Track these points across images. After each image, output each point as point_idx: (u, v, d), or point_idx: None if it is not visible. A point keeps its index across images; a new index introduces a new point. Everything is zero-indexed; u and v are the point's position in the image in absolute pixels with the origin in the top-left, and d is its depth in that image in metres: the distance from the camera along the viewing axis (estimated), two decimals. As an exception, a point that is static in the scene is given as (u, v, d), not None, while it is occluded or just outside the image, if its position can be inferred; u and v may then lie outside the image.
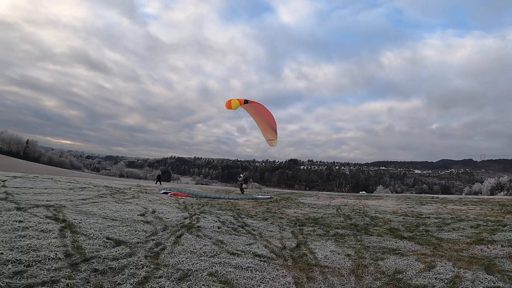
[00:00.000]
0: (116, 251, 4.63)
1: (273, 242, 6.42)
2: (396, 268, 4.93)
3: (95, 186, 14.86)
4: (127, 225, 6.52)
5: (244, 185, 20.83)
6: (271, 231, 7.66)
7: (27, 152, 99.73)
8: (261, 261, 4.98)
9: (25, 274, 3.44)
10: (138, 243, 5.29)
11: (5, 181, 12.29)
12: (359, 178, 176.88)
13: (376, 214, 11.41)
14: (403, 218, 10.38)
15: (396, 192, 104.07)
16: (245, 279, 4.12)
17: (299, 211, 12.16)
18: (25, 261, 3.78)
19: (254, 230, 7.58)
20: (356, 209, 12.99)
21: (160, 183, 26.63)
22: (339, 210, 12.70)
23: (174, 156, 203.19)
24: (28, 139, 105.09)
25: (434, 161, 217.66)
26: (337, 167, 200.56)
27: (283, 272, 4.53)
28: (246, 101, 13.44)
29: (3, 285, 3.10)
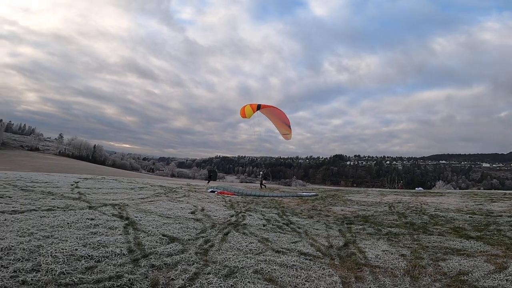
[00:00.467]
0: (170, 248, 4.99)
1: (319, 241, 6.30)
2: (460, 269, 4.47)
3: (151, 186, 16.29)
4: (179, 223, 7.01)
5: (264, 181, 22.43)
6: (317, 229, 7.53)
7: (94, 156, 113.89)
8: (306, 259, 4.93)
9: (95, 270, 3.83)
10: (189, 240, 5.64)
11: (78, 182, 14.20)
12: (414, 173, 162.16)
13: (437, 212, 10.36)
14: (469, 217, 9.25)
15: (460, 188, 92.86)
16: (290, 277, 4.11)
17: (347, 208, 11.68)
18: (96, 256, 4.24)
19: (299, 228, 7.53)
20: (412, 207, 11.96)
21: (209, 182, 27.81)
22: (392, 208, 11.85)
23: (219, 156, 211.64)
24: (95, 145, 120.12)
25: (505, 153, 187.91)
26: (387, 162, 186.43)
27: (329, 271, 4.43)
28: (259, 106, 13.95)
29: (76, 280, 3.44)
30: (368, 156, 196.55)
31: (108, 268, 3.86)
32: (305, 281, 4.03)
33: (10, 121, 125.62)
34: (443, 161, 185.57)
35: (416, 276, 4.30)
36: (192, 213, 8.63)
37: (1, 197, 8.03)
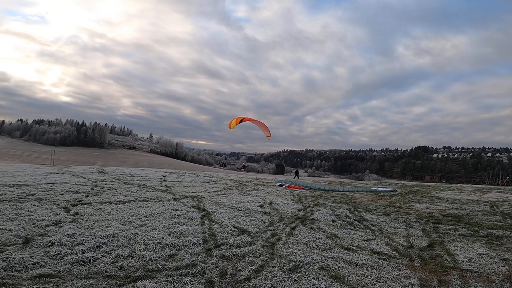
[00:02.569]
0: (239, 239, 5.28)
1: (397, 240, 5.73)
2: None
3: (224, 179, 17.57)
4: (249, 215, 7.37)
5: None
6: (395, 228, 6.86)
7: (177, 153, 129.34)
8: (379, 258, 4.57)
9: (176, 257, 4.29)
10: (257, 232, 5.86)
11: (165, 176, 16.37)
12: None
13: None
14: None
15: None
16: (358, 276, 3.88)
17: (434, 206, 10.24)
18: (177, 245, 4.77)
19: (373, 225, 6.99)
20: (524, 207, 9.67)
21: (298, 177, 27.83)
22: (495, 207, 9.83)
23: (286, 150, 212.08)
24: (177, 142, 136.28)
25: None
26: (489, 154, 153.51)
27: (406, 273, 4.01)
28: (241, 121, 17.58)
29: (160, 267, 3.90)
30: (462, 148, 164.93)
31: (186, 257, 4.30)
32: (376, 281, 3.74)
33: (113, 124, 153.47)
34: None
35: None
36: (261, 206, 8.94)
37: (109, 189, 9.94)
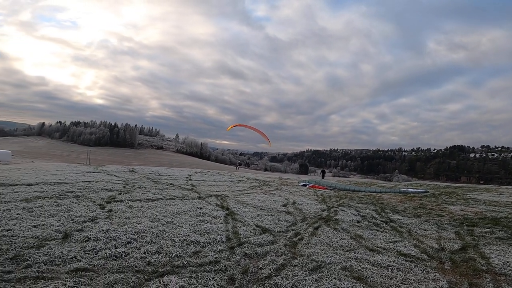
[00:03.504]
0: (262, 238, 5.34)
1: (426, 242, 5.48)
2: None
3: (247, 179, 17.77)
4: (272, 215, 7.41)
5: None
6: (425, 230, 6.55)
7: (202, 152, 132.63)
8: (406, 260, 4.41)
9: (200, 254, 4.45)
10: (280, 232, 5.88)
11: (190, 175, 16.91)
12: None
13: None
14: None
15: None
16: (382, 277, 3.77)
17: (469, 208, 9.59)
18: (202, 242, 4.93)
19: (401, 227, 6.72)
20: None
21: (323, 177, 27.48)
22: (541, 211, 8.97)
23: (310, 149, 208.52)
24: (201, 142, 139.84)
25: None
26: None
27: (435, 275, 3.85)
28: (236, 126, 21.03)
29: (185, 263, 4.08)
30: (502, 147, 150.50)
31: (210, 254, 4.44)
32: (401, 283, 3.62)
33: (142, 125, 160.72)
34: None
35: None
36: (284, 206, 8.94)
37: (139, 188, 10.49)
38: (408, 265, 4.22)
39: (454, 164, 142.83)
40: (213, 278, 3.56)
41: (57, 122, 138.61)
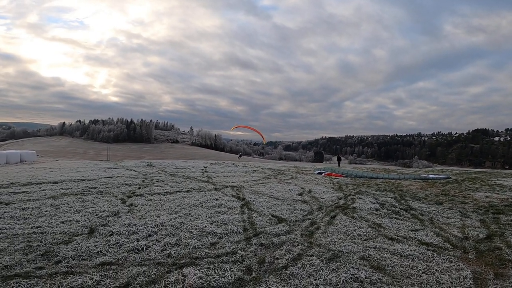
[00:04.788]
0: (278, 228, 5.34)
1: (449, 231, 5.29)
2: None
3: (262, 169, 17.81)
4: (287, 204, 7.41)
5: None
6: (448, 218, 6.31)
7: (216, 144, 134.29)
8: (428, 250, 4.28)
9: (217, 245, 4.51)
10: (296, 221, 5.87)
11: (206, 167, 17.16)
12: None
13: None
14: None
15: None
16: (402, 267, 3.68)
17: (494, 195, 9.17)
18: (219, 233, 5.01)
19: (422, 215, 6.52)
20: None
21: (339, 165, 27.19)
22: None
23: (325, 137, 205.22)
24: (215, 134, 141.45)
25: None
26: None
27: (458, 265, 3.72)
28: (237, 127, 23.92)
29: (203, 254, 4.16)
30: None
31: (227, 245, 4.50)
32: (423, 272, 3.52)
33: (157, 120, 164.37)
34: None
35: None
36: (300, 195, 8.91)
37: (157, 181, 10.77)
38: (430, 254, 4.10)
39: (477, 149, 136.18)
40: (230, 268, 3.62)
41: (76, 121, 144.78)
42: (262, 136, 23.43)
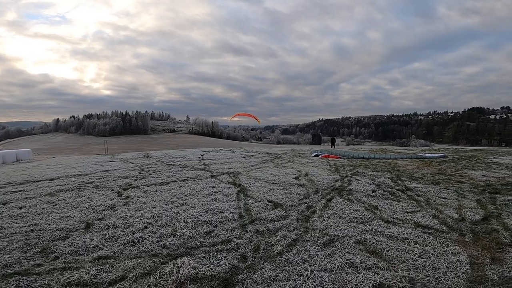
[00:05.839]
0: (274, 213, 5.32)
1: (446, 212, 5.27)
2: None
3: (259, 153, 17.75)
4: (284, 188, 7.38)
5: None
6: (444, 198, 6.30)
7: (213, 131, 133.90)
8: (424, 232, 4.25)
9: (212, 234, 4.49)
10: (292, 205, 5.85)
11: (203, 155, 17.06)
12: None
13: None
14: None
15: None
16: (398, 251, 3.64)
17: (491, 174, 9.20)
18: (214, 221, 4.98)
19: (418, 196, 6.52)
20: None
21: (334, 146, 27.05)
22: None
23: (322, 119, 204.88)
24: (212, 121, 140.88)
25: None
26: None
27: (455, 249, 3.68)
28: (236, 116, 27.09)
29: (198, 243, 4.13)
30: None
31: (222, 233, 4.49)
32: (418, 257, 3.48)
33: (152, 111, 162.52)
34: None
35: None
36: (296, 178, 8.89)
37: (154, 172, 10.70)
38: (426, 237, 4.07)
39: (473, 127, 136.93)
40: (225, 257, 3.61)
41: (70, 117, 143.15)
42: (257, 119, 23.93)
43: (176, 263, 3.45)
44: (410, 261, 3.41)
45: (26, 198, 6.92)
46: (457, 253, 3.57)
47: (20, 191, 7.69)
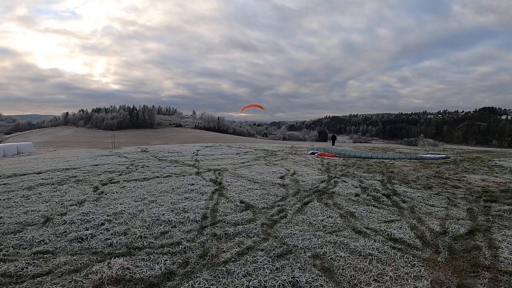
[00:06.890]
0: (240, 216, 5.01)
1: (428, 223, 4.72)
2: None
3: (255, 150, 17.44)
4: (263, 189, 7.05)
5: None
6: (432, 206, 5.72)
7: (219, 126, 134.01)
8: (393, 248, 3.74)
9: (166, 235, 4.24)
10: (263, 208, 5.52)
11: (199, 150, 16.85)
12: None
13: None
14: None
15: None
16: (355, 271, 3.18)
17: (492, 178, 8.57)
18: (174, 222, 4.72)
19: (404, 202, 5.99)
20: None
21: (333, 143, 26.67)
22: None
23: (329, 116, 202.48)
24: (218, 117, 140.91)
25: None
26: None
27: (419, 271, 3.16)
28: (244, 108, 24.64)
29: (145, 244, 3.89)
30: None
31: (177, 234, 4.22)
32: (374, 280, 3.01)
33: (159, 105, 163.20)
34: None
35: None
36: (281, 177, 8.55)
37: (142, 167, 10.50)
38: (393, 254, 3.58)
39: (484, 127, 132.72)
40: (164, 260, 3.39)
41: (79, 111, 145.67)
42: (262, 107, 24.15)
43: (109, 263, 3.28)
44: (362, 285, 2.94)
45: (6, 191, 6.88)
46: (421, 276, 3.06)
47: (4, 184, 7.67)
